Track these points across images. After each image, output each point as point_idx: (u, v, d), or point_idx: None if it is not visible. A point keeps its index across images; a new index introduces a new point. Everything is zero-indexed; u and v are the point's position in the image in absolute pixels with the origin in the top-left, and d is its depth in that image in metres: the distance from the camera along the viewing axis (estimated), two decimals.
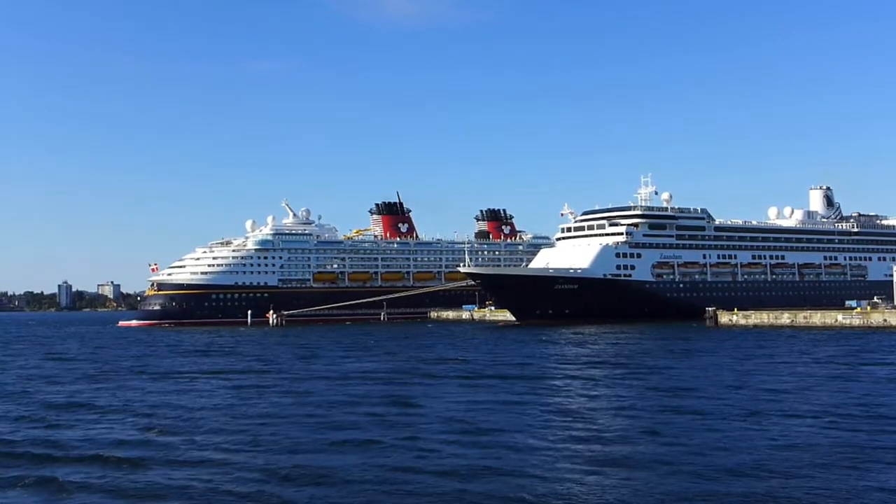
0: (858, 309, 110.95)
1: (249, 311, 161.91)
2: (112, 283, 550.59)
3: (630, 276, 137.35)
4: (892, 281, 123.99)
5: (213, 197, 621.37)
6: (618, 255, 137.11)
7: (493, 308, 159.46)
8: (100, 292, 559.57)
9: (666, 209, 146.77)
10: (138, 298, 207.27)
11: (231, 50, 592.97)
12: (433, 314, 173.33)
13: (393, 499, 23.16)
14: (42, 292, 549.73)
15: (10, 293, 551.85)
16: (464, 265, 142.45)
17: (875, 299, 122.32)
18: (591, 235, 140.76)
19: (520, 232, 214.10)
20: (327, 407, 41.12)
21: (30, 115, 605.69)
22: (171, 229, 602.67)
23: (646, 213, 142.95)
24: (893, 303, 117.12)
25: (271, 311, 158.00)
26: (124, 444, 32.15)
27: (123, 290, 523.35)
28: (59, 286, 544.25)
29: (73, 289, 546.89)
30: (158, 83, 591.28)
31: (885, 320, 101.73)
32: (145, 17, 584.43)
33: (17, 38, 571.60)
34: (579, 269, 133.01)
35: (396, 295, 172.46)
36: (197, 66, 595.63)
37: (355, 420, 36.83)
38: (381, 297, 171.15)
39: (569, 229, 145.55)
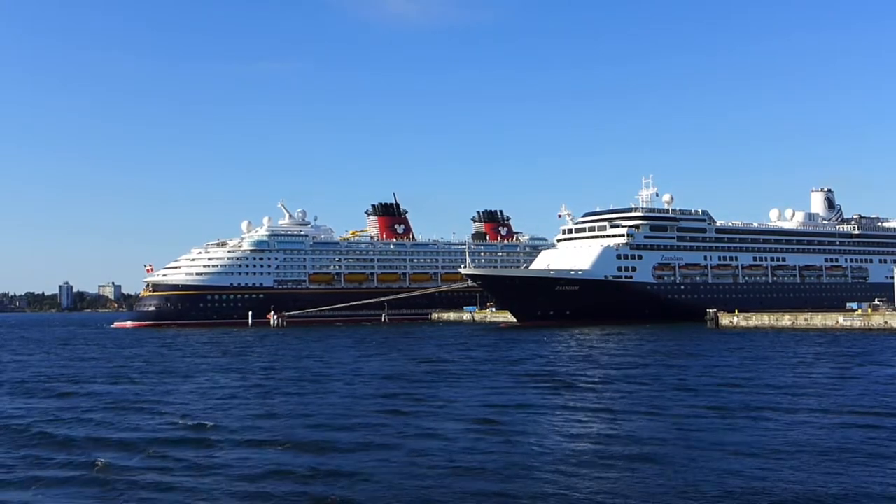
0: (859, 311, 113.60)
1: (250, 312, 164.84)
2: (113, 283, 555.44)
3: (631, 277, 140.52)
4: (892, 283, 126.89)
5: (214, 197, 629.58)
6: (619, 256, 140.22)
7: (493, 309, 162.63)
8: (101, 293, 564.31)
9: (667, 211, 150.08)
10: (138, 299, 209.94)
11: (231, 50, 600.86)
12: (434, 315, 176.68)
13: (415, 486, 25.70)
14: (43, 293, 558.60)
15: (10, 294, 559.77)
16: (464, 266, 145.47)
17: (876, 301, 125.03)
18: (592, 237, 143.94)
19: (517, 233, 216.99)
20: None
21: (30, 115, 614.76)
22: (172, 230, 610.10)
23: (647, 214, 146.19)
24: (894, 305, 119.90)
25: (272, 313, 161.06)
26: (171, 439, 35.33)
27: (124, 290, 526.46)
28: (60, 287, 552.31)
29: (74, 289, 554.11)
30: (158, 83, 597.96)
31: (885, 322, 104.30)
32: (144, 17, 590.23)
33: (17, 37, 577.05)
34: (580, 270, 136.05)
35: (397, 296, 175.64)
36: (197, 66, 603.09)
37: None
38: (381, 299, 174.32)
39: (570, 231, 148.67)
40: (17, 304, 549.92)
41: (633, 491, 24.21)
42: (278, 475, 26.91)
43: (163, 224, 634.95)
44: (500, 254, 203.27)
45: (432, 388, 49.76)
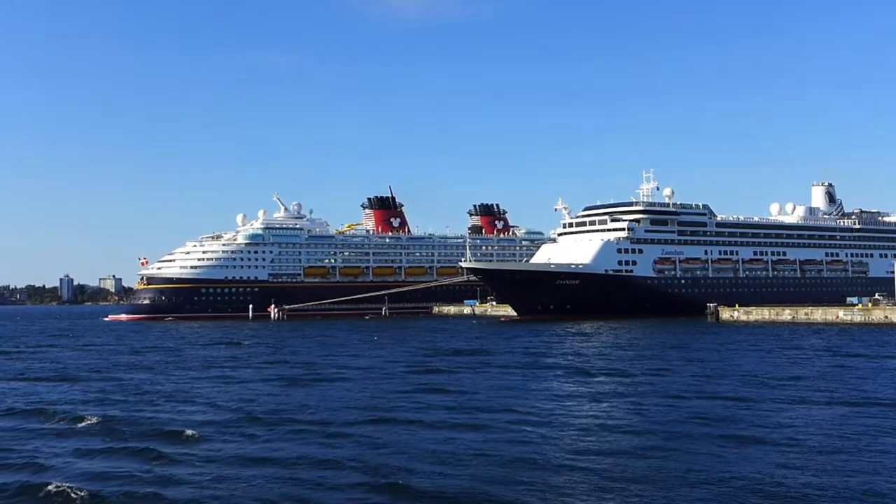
0: (860, 305, 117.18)
1: (251, 306, 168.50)
2: (114, 276, 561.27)
3: (631, 271, 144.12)
4: (893, 277, 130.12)
5: (214, 190, 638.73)
6: (619, 250, 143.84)
7: (494, 303, 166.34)
8: (101, 286, 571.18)
9: (668, 205, 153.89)
10: (133, 292, 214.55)
11: (229, 42, 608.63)
12: (435, 309, 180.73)
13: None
14: (44, 286, 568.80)
15: (11, 286, 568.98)
16: (465, 260, 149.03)
17: (876, 296, 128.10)
18: (592, 231, 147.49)
19: (513, 227, 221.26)
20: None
21: (31, 109, 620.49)
22: (173, 223, 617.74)
23: (647, 208, 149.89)
24: (894, 299, 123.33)
25: (273, 306, 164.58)
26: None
27: (125, 283, 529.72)
28: (61, 280, 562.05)
29: (75, 282, 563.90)
30: (155, 78, 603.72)
31: (886, 317, 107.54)
32: (142, 10, 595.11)
33: (16, 31, 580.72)
34: (581, 264, 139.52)
35: (396, 290, 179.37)
36: (194, 59, 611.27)
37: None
38: (381, 293, 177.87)
39: (570, 224, 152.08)
40: (18, 296, 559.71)
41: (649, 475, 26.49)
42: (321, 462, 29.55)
43: (164, 217, 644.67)
44: (495, 247, 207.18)
45: (454, 379, 53.68)
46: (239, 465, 28.68)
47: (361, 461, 28.67)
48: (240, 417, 38.40)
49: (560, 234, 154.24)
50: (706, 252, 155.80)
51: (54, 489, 25.45)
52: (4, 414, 41.06)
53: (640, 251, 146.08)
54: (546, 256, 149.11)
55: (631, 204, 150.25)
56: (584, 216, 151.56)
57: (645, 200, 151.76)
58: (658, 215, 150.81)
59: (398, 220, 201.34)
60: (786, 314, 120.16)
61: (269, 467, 28.13)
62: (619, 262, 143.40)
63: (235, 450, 31.08)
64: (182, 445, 32.20)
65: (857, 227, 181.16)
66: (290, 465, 28.31)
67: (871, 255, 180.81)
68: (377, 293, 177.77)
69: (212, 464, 28.88)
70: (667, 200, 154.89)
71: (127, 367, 65.75)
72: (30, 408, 42.61)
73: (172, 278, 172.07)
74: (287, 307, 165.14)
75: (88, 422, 37.69)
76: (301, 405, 41.91)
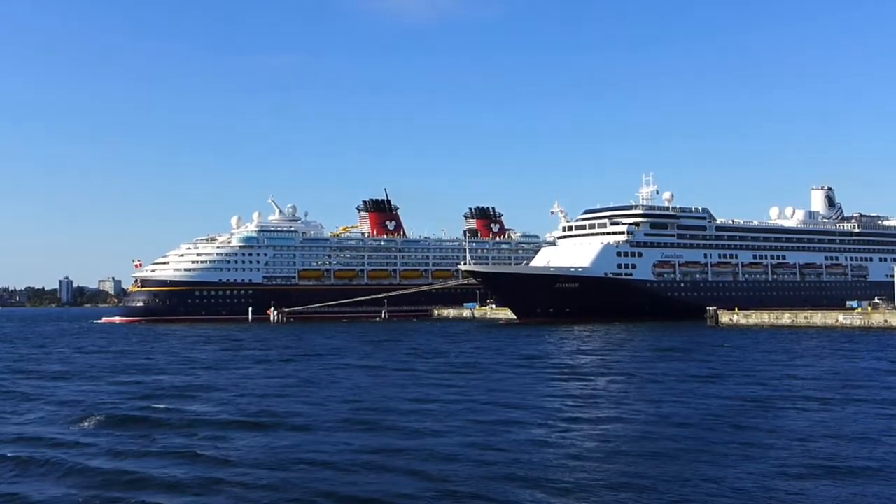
0: (859, 309, 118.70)
1: (250, 308, 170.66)
2: (113, 278, 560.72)
3: (631, 275, 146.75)
4: (892, 281, 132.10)
5: (211, 192, 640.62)
6: (619, 254, 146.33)
7: (493, 306, 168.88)
8: (100, 288, 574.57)
9: (667, 208, 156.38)
10: (127, 294, 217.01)
11: (224, 43, 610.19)
12: (435, 312, 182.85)
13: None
14: (43, 288, 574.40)
15: (11, 288, 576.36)
16: (464, 263, 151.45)
17: (876, 300, 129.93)
18: (592, 234, 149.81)
19: (509, 230, 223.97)
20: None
21: (31, 110, 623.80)
22: (171, 225, 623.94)
23: (647, 212, 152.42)
24: (894, 303, 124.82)
25: (272, 308, 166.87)
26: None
27: (124, 286, 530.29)
28: (60, 282, 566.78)
29: (75, 284, 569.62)
30: (155, 79, 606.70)
31: (885, 321, 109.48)
32: (145, 7, 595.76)
33: (18, 25, 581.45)
34: (580, 267, 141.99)
35: (395, 293, 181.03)
36: (190, 59, 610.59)
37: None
38: (381, 296, 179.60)
39: (569, 228, 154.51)
40: (18, 298, 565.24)
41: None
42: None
43: (162, 219, 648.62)
44: (492, 250, 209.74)
45: (467, 379, 56.57)
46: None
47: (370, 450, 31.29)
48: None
49: (559, 238, 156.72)
50: (706, 256, 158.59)
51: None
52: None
53: (640, 255, 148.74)
54: (545, 259, 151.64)
55: (630, 207, 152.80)
56: (583, 219, 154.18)
57: (644, 204, 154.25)
58: (658, 219, 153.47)
59: (393, 222, 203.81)
60: (785, 318, 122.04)
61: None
62: (619, 266, 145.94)
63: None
64: (212, 439, 34.63)
65: (857, 230, 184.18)
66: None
67: (871, 259, 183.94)
68: (375, 296, 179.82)
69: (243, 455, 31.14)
70: (666, 204, 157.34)
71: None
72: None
73: (166, 280, 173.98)
74: (287, 310, 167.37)
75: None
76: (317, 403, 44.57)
